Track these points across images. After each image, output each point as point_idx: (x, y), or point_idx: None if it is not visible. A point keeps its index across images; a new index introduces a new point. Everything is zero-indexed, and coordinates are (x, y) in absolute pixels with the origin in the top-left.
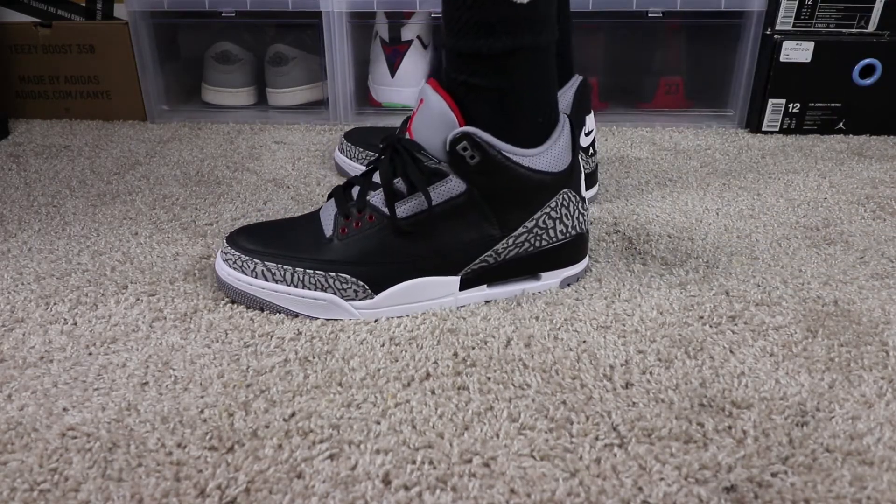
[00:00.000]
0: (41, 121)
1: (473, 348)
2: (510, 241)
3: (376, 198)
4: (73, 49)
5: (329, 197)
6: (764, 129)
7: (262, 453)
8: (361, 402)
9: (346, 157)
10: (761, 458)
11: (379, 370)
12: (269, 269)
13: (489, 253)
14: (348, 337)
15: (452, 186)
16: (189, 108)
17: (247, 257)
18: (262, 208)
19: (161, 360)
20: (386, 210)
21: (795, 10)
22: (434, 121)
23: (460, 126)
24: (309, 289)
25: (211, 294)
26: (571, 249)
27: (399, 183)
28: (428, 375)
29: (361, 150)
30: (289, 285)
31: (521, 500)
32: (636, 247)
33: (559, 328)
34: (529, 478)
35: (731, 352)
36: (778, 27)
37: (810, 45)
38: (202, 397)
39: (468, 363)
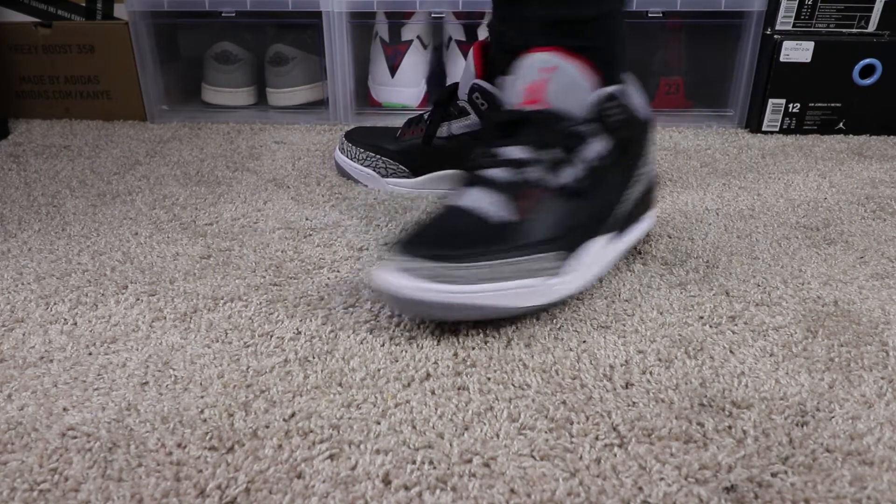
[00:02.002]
0: (41, 121)
1: (473, 348)
2: (630, 192)
3: (534, 172)
4: (73, 49)
5: (469, 184)
6: (764, 129)
7: (262, 453)
8: (361, 402)
9: (347, 157)
10: (761, 458)
11: (379, 370)
12: (482, 272)
13: (620, 204)
14: (348, 336)
15: (602, 146)
16: (189, 108)
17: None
18: (262, 208)
19: (161, 360)
20: (551, 180)
21: (795, 10)
22: (575, 86)
23: (600, 87)
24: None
25: (211, 294)
26: (651, 196)
27: (555, 153)
28: (428, 376)
29: (362, 150)
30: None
31: (521, 500)
32: (636, 247)
33: (559, 328)
34: (529, 478)
35: (731, 352)
36: (778, 27)
37: (810, 45)
38: (202, 397)
39: (468, 363)
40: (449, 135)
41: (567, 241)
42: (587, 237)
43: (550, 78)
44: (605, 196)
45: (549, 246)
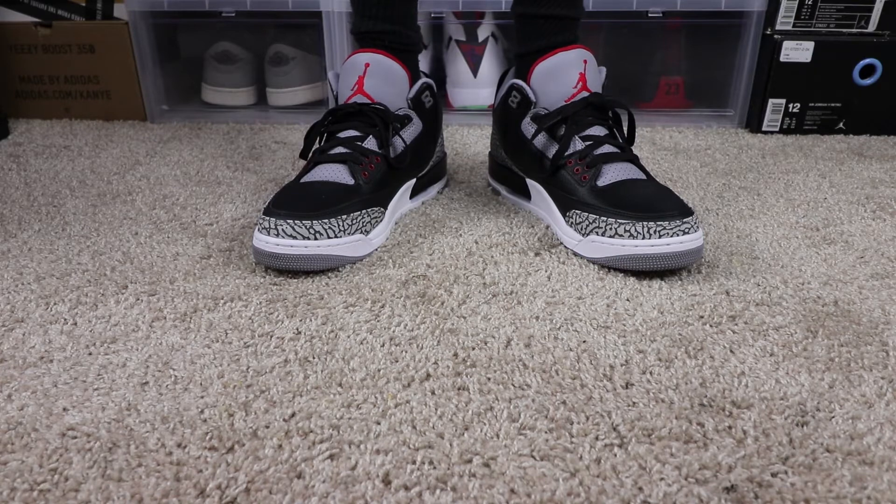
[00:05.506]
0: (41, 121)
1: (473, 349)
2: None
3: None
4: (73, 49)
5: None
6: (764, 129)
7: (262, 453)
8: (361, 402)
9: (323, 236)
10: (761, 458)
11: (379, 370)
12: None
13: None
14: (348, 336)
15: None
16: (189, 108)
17: None
18: (261, 208)
19: (161, 360)
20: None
21: (795, 10)
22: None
23: None
24: None
25: (211, 294)
26: None
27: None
28: (428, 376)
29: (337, 215)
30: None
31: (521, 500)
32: None
33: (559, 328)
34: (529, 478)
35: (731, 351)
36: (778, 27)
37: (810, 45)
38: (202, 397)
39: (468, 363)
40: (405, 146)
41: None
42: None
43: (587, 69)
44: None
45: None
